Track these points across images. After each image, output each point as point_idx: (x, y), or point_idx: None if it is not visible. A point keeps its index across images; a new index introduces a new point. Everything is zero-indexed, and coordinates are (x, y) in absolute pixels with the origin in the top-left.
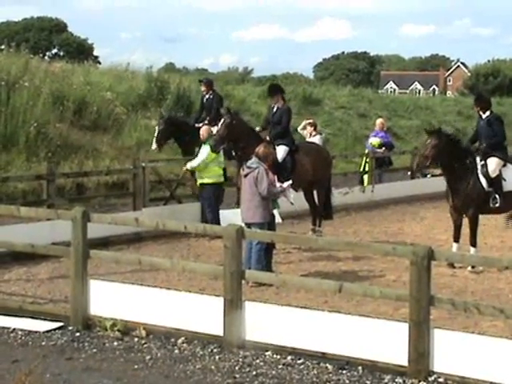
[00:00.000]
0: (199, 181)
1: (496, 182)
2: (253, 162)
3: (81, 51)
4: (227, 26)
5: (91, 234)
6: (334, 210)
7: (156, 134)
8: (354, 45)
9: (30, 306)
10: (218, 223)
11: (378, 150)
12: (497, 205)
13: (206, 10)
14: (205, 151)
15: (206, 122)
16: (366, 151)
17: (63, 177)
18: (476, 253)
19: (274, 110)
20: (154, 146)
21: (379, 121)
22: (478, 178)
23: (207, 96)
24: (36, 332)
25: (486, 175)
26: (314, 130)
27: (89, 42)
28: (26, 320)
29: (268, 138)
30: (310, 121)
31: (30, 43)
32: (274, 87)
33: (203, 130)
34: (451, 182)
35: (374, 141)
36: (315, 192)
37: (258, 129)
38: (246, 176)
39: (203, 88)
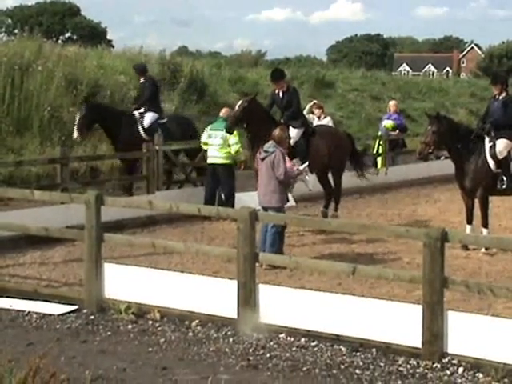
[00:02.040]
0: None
1: (504, 163)
2: (269, 145)
3: (94, 35)
4: (241, 9)
5: (105, 218)
6: (348, 193)
7: (77, 122)
8: (368, 27)
9: (45, 289)
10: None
11: (392, 133)
12: (504, 186)
13: None
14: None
15: (136, 106)
16: (379, 133)
17: (77, 160)
18: (488, 234)
19: (280, 95)
20: (76, 134)
21: (392, 103)
22: (486, 160)
23: (141, 81)
24: (50, 315)
25: (494, 156)
26: (322, 112)
27: (102, 25)
28: (41, 303)
29: (282, 121)
30: (315, 101)
31: (43, 27)
32: (279, 73)
33: (223, 112)
34: (458, 164)
35: (388, 123)
36: (330, 175)
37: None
38: (263, 160)
39: (137, 75)
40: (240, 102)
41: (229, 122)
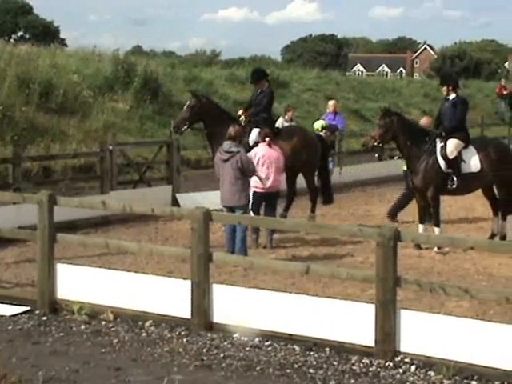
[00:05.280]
0: None
1: (454, 163)
2: (230, 145)
3: (47, 34)
4: (197, 8)
5: (58, 218)
6: (301, 193)
7: None
8: (324, 27)
9: None
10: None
11: (321, 133)
12: (454, 186)
13: None
14: None
15: None
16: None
17: (29, 160)
18: (440, 233)
19: (258, 92)
20: None
21: (331, 103)
22: (437, 160)
23: None
24: (2, 316)
25: (445, 156)
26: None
27: (55, 24)
28: None
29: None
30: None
31: None
32: (256, 74)
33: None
34: (409, 162)
35: (317, 124)
36: (304, 177)
37: (240, 112)
38: (226, 161)
39: None
40: (188, 102)
41: (175, 123)
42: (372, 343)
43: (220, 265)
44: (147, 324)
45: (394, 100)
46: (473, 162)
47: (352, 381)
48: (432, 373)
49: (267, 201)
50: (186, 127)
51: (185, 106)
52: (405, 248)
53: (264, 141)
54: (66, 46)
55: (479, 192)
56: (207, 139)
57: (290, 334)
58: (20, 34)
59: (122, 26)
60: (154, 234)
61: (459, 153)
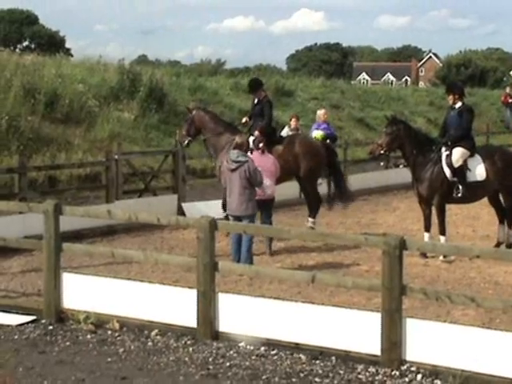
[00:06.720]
0: None
1: (460, 172)
2: (237, 154)
3: (52, 44)
4: (202, 17)
5: (64, 227)
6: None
7: None
8: (330, 36)
9: (2, 299)
10: None
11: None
12: (459, 195)
13: (182, 2)
14: None
15: None
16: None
17: (35, 170)
18: (445, 241)
19: (256, 101)
20: None
21: (321, 112)
22: (442, 168)
23: None
24: (8, 326)
25: (450, 165)
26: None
27: (60, 34)
28: None
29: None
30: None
31: (0, 36)
32: (255, 83)
33: None
34: (414, 171)
35: (318, 134)
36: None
37: (244, 120)
38: (233, 170)
39: None
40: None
41: (178, 139)
42: (378, 352)
43: (226, 274)
44: (153, 333)
45: (400, 108)
46: (478, 171)
47: None
48: (438, 382)
49: (262, 208)
50: (187, 141)
51: (184, 122)
52: (410, 256)
53: (258, 148)
54: (71, 55)
55: (485, 200)
56: (210, 150)
57: (296, 343)
58: (26, 43)
59: (127, 35)
60: (160, 243)
61: (465, 161)
